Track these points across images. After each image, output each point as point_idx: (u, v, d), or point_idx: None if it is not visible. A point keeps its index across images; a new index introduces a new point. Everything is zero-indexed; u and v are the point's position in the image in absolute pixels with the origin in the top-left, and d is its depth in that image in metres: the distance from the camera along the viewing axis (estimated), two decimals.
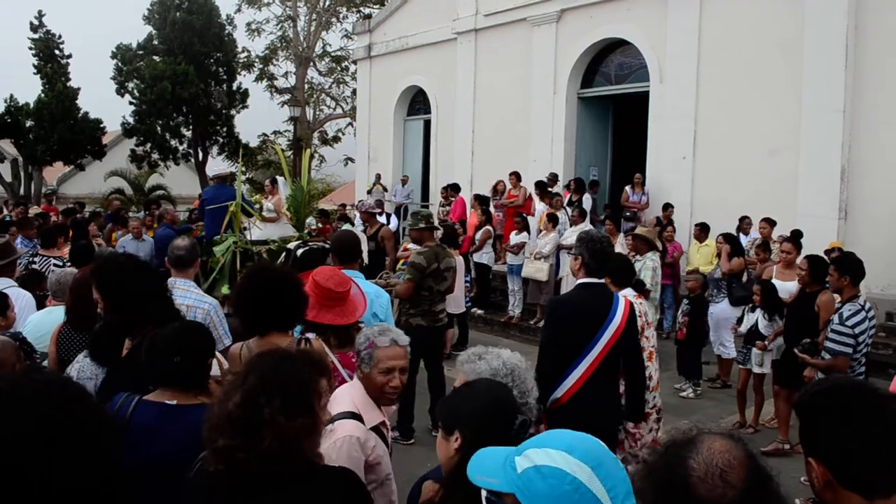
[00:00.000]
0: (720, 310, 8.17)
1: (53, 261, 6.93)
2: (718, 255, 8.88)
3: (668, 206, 11.64)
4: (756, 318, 6.96)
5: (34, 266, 6.75)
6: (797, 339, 5.76)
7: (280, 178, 9.12)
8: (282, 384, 1.94)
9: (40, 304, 4.98)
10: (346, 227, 11.41)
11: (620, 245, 9.65)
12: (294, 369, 1.99)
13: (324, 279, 3.44)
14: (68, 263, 6.42)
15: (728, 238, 8.57)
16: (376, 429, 2.73)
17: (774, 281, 7.45)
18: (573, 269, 4.17)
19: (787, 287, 7.08)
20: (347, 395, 2.79)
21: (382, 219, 13.23)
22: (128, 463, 1.51)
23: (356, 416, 2.68)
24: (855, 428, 1.62)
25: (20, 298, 4.76)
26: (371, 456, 2.64)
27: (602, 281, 4.11)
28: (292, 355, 2.11)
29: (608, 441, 3.65)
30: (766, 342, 6.74)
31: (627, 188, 12.71)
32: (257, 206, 8.80)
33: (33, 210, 14.34)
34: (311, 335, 3.27)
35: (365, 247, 8.96)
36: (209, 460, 1.94)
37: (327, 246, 7.32)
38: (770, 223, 9.78)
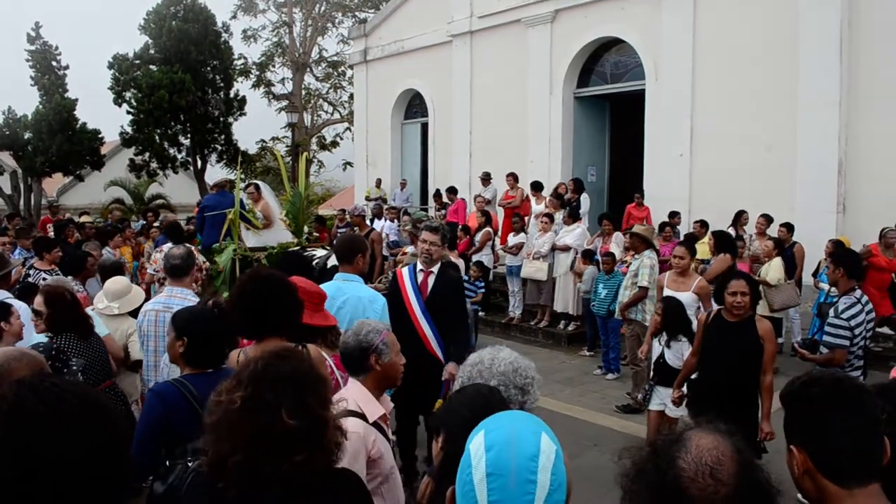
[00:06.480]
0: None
1: (44, 274, 7.07)
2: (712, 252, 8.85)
3: (674, 214, 11.28)
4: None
5: (29, 279, 6.84)
6: (729, 379, 4.75)
7: (262, 184, 9.06)
8: (317, 382, 1.90)
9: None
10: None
11: (617, 244, 9.64)
12: (310, 366, 1.96)
13: (309, 285, 3.57)
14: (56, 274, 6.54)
15: (716, 235, 8.52)
16: (376, 425, 2.79)
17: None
18: None
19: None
20: (347, 396, 2.86)
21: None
22: None
23: (357, 415, 2.73)
24: (837, 419, 1.67)
25: (19, 310, 4.75)
26: (373, 450, 2.69)
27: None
28: (294, 352, 2.07)
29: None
30: (677, 386, 5.21)
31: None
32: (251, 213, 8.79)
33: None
34: (308, 345, 3.30)
35: None
36: (237, 476, 1.76)
37: (327, 250, 7.33)
38: (767, 220, 9.75)
